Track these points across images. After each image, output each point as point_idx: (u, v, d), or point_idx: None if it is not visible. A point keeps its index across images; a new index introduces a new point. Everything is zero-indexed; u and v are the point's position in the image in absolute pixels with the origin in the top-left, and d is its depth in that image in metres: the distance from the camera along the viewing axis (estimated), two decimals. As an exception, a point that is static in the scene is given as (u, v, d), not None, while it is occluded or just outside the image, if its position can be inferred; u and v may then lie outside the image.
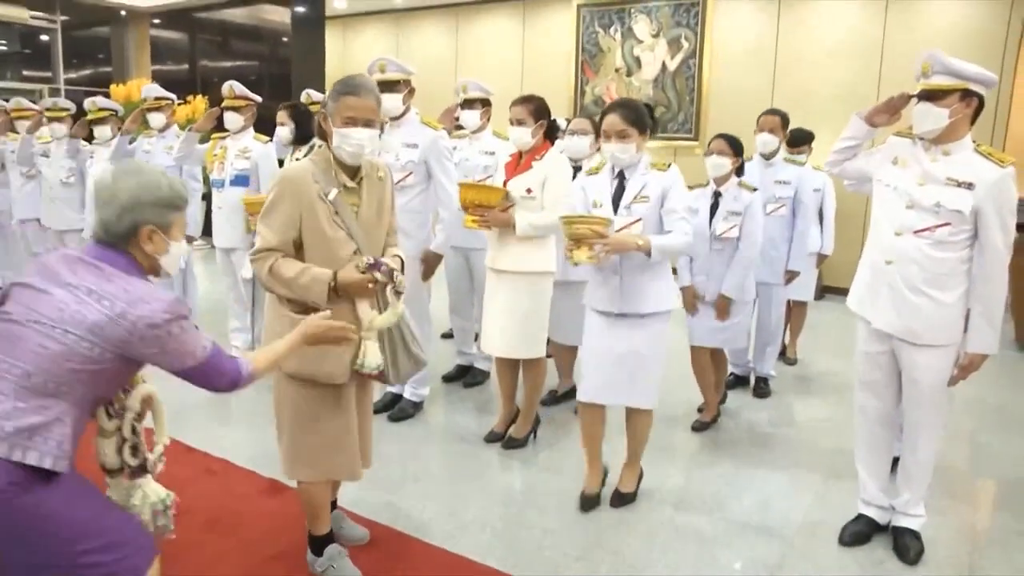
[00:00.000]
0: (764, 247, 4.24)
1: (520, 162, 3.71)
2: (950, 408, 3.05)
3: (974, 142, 2.79)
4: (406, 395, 4.28)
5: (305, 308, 2.39)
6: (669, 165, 3.19)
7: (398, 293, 2.51)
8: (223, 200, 4.73)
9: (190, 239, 5.14)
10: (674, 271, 3.36)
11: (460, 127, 4.77)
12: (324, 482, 2.64)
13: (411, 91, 4.11)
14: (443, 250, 4.11)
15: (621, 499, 3.35)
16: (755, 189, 4.04)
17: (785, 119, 4.66)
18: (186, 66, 11.13)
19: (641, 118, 3.11)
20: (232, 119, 4.71)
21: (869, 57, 7.45)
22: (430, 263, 4.08)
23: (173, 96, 5.43)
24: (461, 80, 4.64)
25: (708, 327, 4.09)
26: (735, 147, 4.00)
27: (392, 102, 4.00)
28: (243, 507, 3.24)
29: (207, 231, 5.12)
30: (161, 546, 2.07)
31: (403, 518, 3.16)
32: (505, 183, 3.69)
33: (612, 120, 3.08)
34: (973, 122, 2.80)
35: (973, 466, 3.95)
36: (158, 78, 10.03)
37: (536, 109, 3.68)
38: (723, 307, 4.02)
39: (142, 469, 2.09)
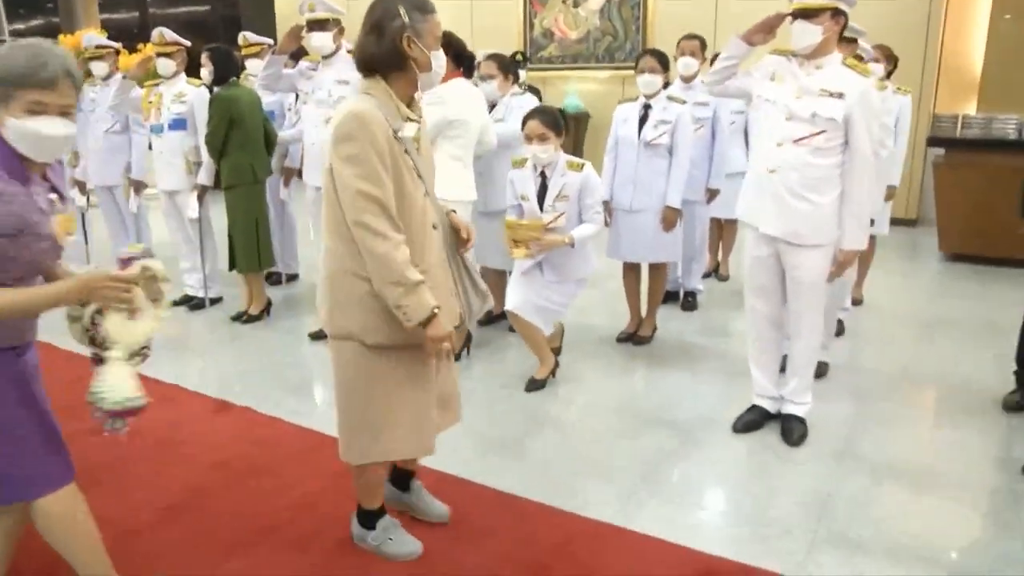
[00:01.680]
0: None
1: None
2: (832, 303, 3.34)
3: (842, 56, 3.03)
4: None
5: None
6: (582, 166, 3.68)
7: (154, 300, 1.98)
8: (163, 144, 4.87)
9: (139, 185, 5.31)
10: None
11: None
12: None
13: (341, 30, 4.27)
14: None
15: (534, 384, 3.90)
16: (684, 102, 4.24)
17: (704, 43, 4.84)
18: (136, 13, 11.05)
19: (557, 122, 3.67)
20: (164, 65, 4.82)
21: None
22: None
23: (115, 44, 5.51)
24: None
25: (635, 240, 4.26)
26: (664, 63, 4.21)
27: (323, 40, 4.19)
28: (190, 425, 3.50)
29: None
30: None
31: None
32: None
33: (533, 125, 3.62)
34: (840, 38, 3.03)
35: (876, 365, 4.25)
36: (108, 26, 9.96)
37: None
38: (671, 218, 4.22)
39: (99, 360, 2.01)
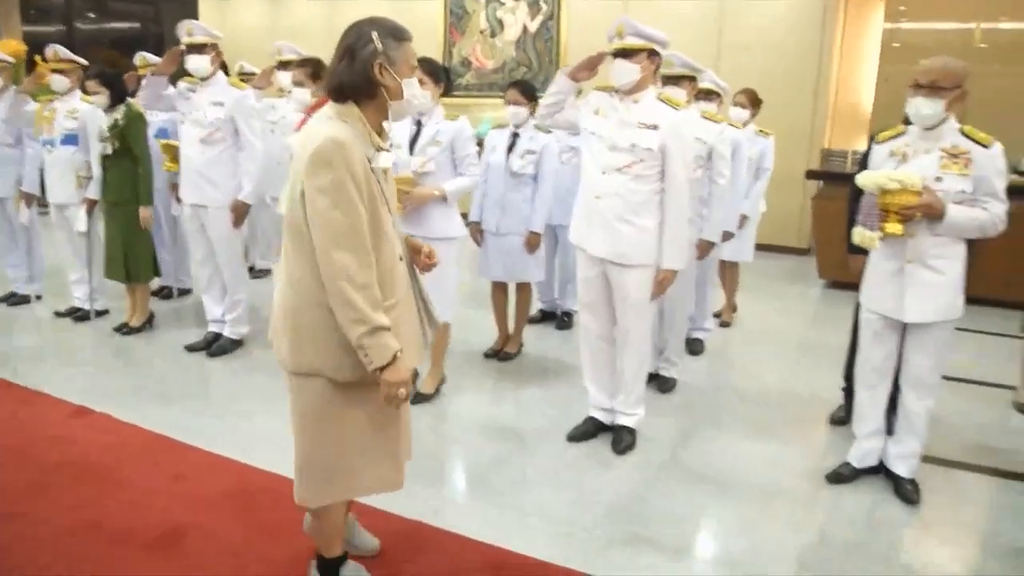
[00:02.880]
0: (560, 192, 4.68)
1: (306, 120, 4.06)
2: (654, 322, 3.58)
3: (657, 91, 3.30)
4: (225, 333, 4.67)
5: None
6: (458, 117, 3.83)
7: None
8: (54, 159, 4.97)
9: (31, 198, 5.37)
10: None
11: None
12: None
13: (218, 54, 4.43)
14: (252, 200, 4.45)
15: (420, 398, 3.95)
16: (550, 131, 4.45)
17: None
18: (63, 27, 11.06)
19: (437, 71, 3.76)
20: (59, 81, 4.94)
21: (708, 27, 8.02)
22: (239, 212, 4.43)
23: (10, 58, 5.60)
24: (276, 43, 4.97)
25: (502, 261, 4.46)
26: (528, 94, 4.43)
27: (201, 63, 4.34)
28: (45, 429, 3.60)
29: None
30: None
31: (220, 438, 3.55)
32: (293, 136, 4.05)
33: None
34: (655, 74, 3.30)
35: (725, 382, 4.52)
36: (30, 39, 9.98)
37: (312, 72, 4.03)
38: (533, 242, 4.45)
39: None
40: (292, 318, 2.11)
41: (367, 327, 1.99)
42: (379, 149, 2.11)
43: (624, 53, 3.20)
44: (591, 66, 3.33)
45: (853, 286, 6.35)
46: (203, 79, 4.37)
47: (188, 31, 4.30)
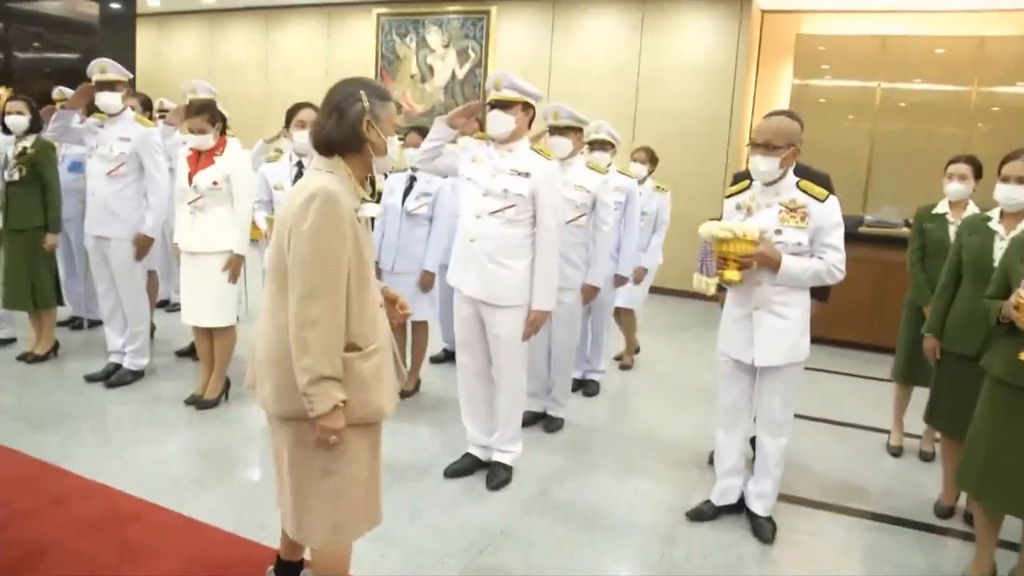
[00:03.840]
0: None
1: (200, 158, 4.17)
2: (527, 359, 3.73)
3: (531, 141, 3.50)
4: (125, 364, 4.71)
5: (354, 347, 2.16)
6: None
7: None
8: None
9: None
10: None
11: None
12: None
13: (128, 92, 4.54)
14: (154, 233, 4.53)
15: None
16: (445, 176, 4.59)
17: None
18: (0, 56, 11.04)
19: None
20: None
21: (627, 75, 8.38)
22: (142, 245, 4.51)
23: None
24: (190, 81, 5.09)
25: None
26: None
27: (111, 99, 4.44)
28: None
29: None
30: None
31: (103, 465, 3.59)
32: (190, 176, 4.14)
33: (301, 114, 4.06)
34: (530, 126, 3.49)
35: (614, 423, 4.67)
36: (-35, 68, 9.94)
37: (212, 116, 4.14)
38: (427, 281, 4.58)
39: None
40: (277, 364, 2.15)
41: (312, 375, 2.03)
42: (364, 200, 2.21)
43: (500, 105, 3.39)
44: (468, 114, 3.50)
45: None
46: (111, 115, 4.47)
47: (101, 68, 4.41)
